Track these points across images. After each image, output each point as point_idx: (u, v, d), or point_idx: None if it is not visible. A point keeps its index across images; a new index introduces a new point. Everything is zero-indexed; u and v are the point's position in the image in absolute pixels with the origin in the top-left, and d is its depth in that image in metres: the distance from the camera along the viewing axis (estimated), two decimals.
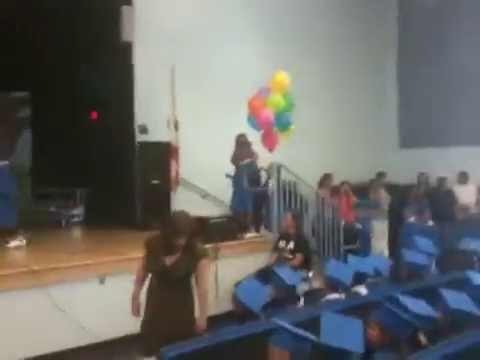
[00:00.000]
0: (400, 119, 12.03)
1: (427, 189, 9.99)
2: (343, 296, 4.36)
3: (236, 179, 7.62)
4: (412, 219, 8.26)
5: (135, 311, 4.14)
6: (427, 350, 3.15)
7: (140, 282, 4.20)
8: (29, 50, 9.46)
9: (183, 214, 4.13)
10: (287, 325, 2.72)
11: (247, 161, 7.63)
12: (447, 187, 9.81)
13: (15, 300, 5.03)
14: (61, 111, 9.75)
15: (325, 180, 9.18)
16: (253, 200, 7.60)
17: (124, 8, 8.36)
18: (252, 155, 7.69)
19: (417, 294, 3.94)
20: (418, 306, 3.58)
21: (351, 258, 4.85)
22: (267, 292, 4.06)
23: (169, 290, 3.94)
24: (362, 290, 4.61)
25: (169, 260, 3.98)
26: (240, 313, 3.88)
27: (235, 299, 3.97)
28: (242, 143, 7.72)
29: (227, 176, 7.66)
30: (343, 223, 8.05)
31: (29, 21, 9.05)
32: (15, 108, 11.57)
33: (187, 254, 3.97)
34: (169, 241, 3.98)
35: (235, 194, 7.63)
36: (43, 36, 9.17)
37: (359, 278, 4.57)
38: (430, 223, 7.88)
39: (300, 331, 2.69)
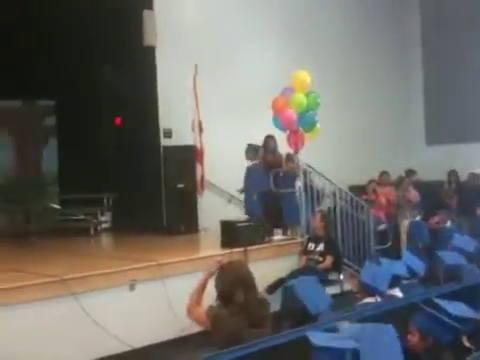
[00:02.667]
0: (426, 115, 11.80)
1: (458, 186, 9.76)
2: (379, 299, 4.23)
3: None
4: (418, 218, 8.07)
5: None
6: (474, 355, 3.02)
7: None
8: (53, 59, 9.55)
9: None
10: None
11: (251, 163, 7.52)
12: (478, 182, 9.55)
13: (45, 309, 5.03)
14: (86, 118, 9.82)
15: (382, 177, 9.28)
16: (274, 202, 7.48)
17: (145, 12, 8.37)
18: (257, 157, 7.57)
19: (455, 296, 3.79)
20: (458, 308, 3.43)
21: (384, 261, 4.70)
22: (328, 297, 3.90)
23: None
24: (397, 293, 4.47)
25: None
26: (298, 312, 3.66)
27: (290, 298, 3.74)
28: (264, 145, 7.65)
29: (239, 191, 7.59)
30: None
31: (53, 30, 9.14)
32: (41, 116, 11.73)
33: None
34: None
35: (245, 198, 7.59)
36: (67, 44, 9.25)
37: (393, 281, 4.43)
38: (448, 224, 7.69)
39: None
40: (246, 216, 7.45)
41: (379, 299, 4.10)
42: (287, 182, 7.42)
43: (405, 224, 8.91)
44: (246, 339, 3.13)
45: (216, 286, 3.45)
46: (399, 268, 4.58)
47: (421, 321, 3.23)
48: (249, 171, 7.66)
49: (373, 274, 4.22)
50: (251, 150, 7.64)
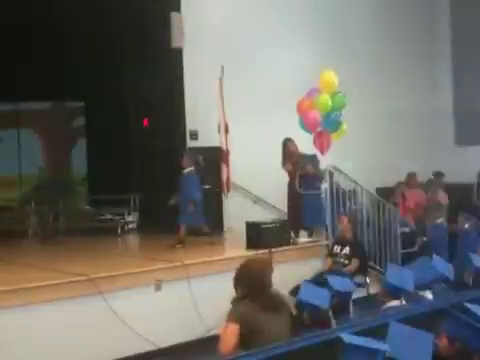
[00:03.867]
0: (456, 115, 11.60)
1: None
2: (404, 302, 4.17)
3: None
4: (440, 220, 7.92)
5: None
6: None
7: None
8: (82, 61, 9.70)
9: None
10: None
11: (187, 170, 7.30)
12: None
13: (73, 308, 5.11)
14: (114, 119, 9.94)
15: (410, 179, 9.18)
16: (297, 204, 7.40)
17: (173, 15, 8.42)
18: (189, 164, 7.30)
19: None
20: None
21: (418, 262, 4.60)
22: (328, 295, 3.91)
23: None
24: (428, 295, 4.40)
25: None
26: (307, 319, 3.72)
27: (298, 305, 3.83)
28: (285, 149, 7.57)
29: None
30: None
31: (81, 32, 9.28)
32: (70, 118, 11.93)
33: None
34: None
35: (181, 208, 7.24)
36: (95, 46, 9.38)
37: (426, 283, 4.36)
38: (466, 226, 7.58)
39: None
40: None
41: (404, 302, 4.04)
42: (308, 184, 7.35)
43: None
44: (262, 321, 3.23)
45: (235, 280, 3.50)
46: (428, 272, 4.50)
47: (449, 325, 3.18)
48: (184, 178, 7.35)
49: (398, 275, 4.15)
50: (191, 156, 7.40)
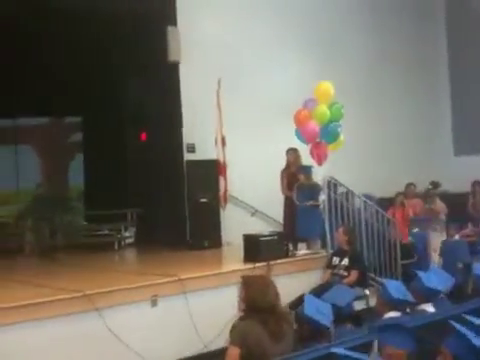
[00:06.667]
0: (454, 125, 11.60)
1: None
2: (399, 314, 4.10)
3: None
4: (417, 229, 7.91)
5: None
6: None
7: None
8: (79, 76, 9.71)
9: None
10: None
11: None
12: None
13: (69, 325, 5.05)
14: (111, 134, 9.94)
15: (408, 189, 9.17)
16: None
17: (169, 29, 8.45)
18: None
19: None
20: None
21: (420, 274, 4.54)
22: (330, 309, 3.85)
23: None
24: (429, 308, 4.33)
25: None
26: (306, 332, 3.66)
27: (300, 318, 3.76)
28: (288, 158, 7.54)
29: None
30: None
31: (78, 47, 9.30)
32: (68, 133, 11.94)
33: None
34: None
35: None
36: (93, 61, 9.39)
37: (427, 296, 4.30)
38: (456, 237, 7.60)
39: None
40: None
41: (398, 314, 3.96)
42: (303, 195, 7.28)
43: (433, 237, 8.71)
44: (268, 353, 3.16)
45: (240, 298, 3.48)
46: (435, 282, 4.43)
47: (452, 342, 3.08)
48: None
49: (396, 287, 4.10)
50: None
